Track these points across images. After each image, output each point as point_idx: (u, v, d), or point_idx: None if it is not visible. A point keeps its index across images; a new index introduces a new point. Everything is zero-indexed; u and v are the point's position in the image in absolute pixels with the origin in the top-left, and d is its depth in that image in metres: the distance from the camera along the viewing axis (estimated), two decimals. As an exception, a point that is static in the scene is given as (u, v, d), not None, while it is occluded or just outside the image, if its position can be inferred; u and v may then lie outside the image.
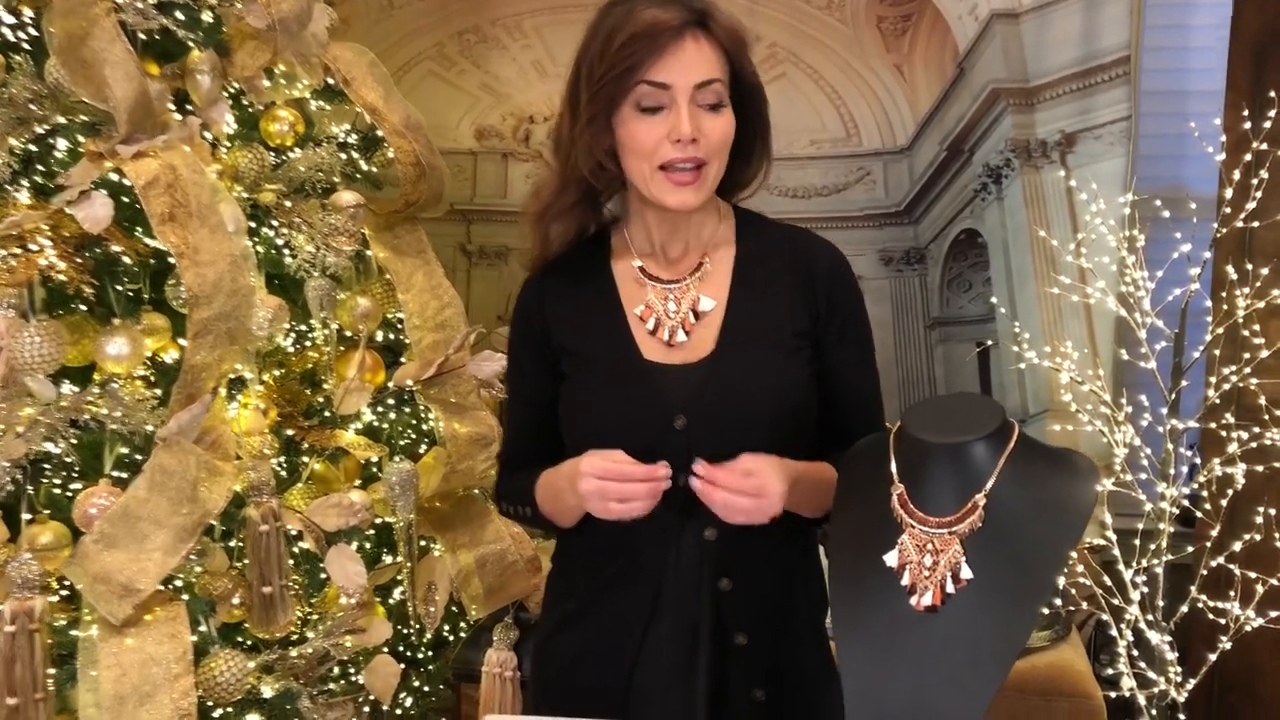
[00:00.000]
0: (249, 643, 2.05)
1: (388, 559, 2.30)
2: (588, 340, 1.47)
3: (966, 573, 1.16)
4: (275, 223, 2.15)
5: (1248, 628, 2.39)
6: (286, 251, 2.15)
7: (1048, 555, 1.15)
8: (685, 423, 1.39)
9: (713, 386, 1.41)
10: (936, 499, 1.19)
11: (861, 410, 1.51)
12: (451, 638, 2.56)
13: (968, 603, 1.16)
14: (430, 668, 2.33)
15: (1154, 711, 2.41)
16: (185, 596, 1.91)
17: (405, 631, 2.31)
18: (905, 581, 1.19)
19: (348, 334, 2.27)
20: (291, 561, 2.17)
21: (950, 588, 1.17)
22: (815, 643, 1.50)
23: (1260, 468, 2.46)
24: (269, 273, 2.15)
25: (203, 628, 1.89)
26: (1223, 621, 2.37)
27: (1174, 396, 2.56)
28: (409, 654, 2.46)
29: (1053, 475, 1.20)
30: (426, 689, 2.31)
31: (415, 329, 2.26)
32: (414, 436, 2.29)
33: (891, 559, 1.20)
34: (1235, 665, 2.50)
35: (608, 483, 1.32)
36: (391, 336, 2.34)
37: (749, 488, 1.32)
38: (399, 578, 2.26)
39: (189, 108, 2.06)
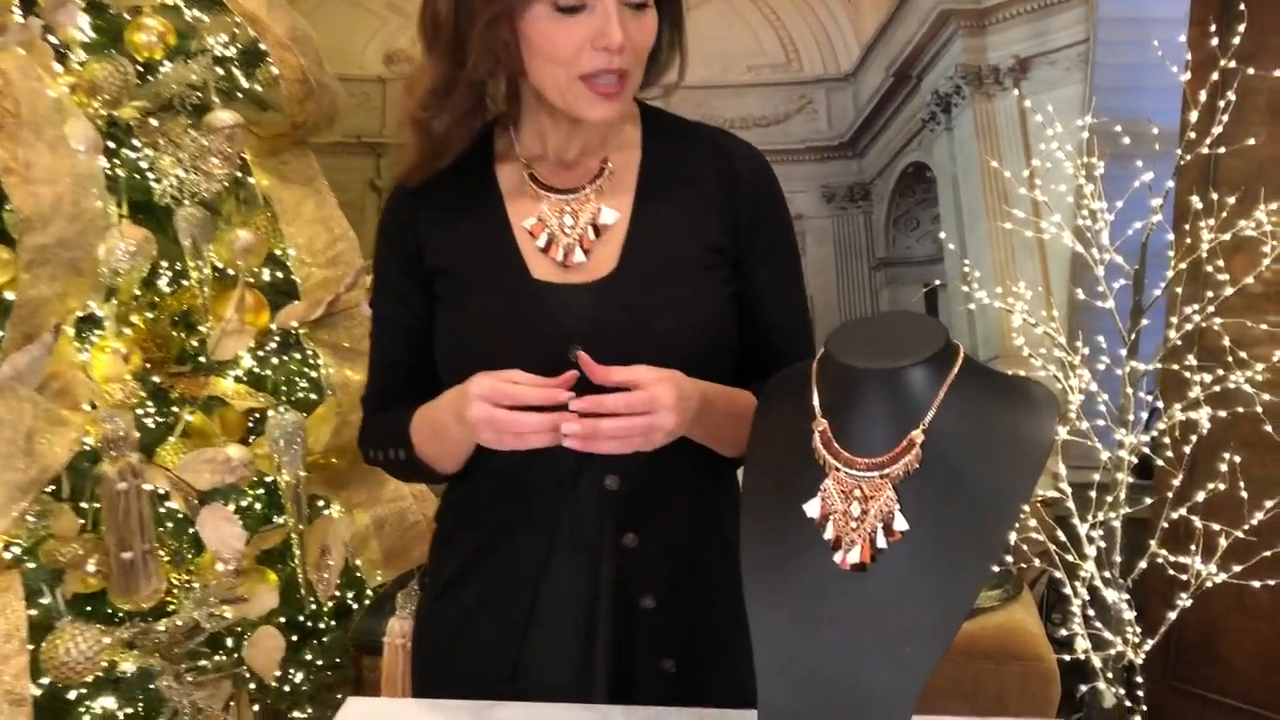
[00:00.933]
0: (117, 616, 1.84)
1: (281, 521, 2.09)
2: (467, 259, 1.26)
3: (901, 523, 0.97)
4: (138, 143, 1.90)
5: (1209, 584, 2.24)
6: (151, 175, 1.91)
7: (998, 503, 0.96)
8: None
9: (614, 310, 1.20)
10: (866, 436, 0.99)
11: (788, 339, 1.32)
12: (356, 606, 2.36)
13: (902, 560, 0.97)
14: (325, 639, 2.11)
15: (1109, 674, 2.25)
16: (30, 565, 1.69)
17: (306, 601, 2.09)
18: (829, 535, 0.99)
19: (229, 271, 2.04)
20: (170, 525, 1.96)
21: (882, 542, 0.97)
22: (734, 606, 1.30)
23: (1224, 413, 2.30)
24: (134, 200, 1.92)
25: (47, 599, 1.67)
26: (1183, 577, 2.21)
27: (1133, 337, 2.39)
28: (309, 624, 2.25)
29: (1005, 408, 1.00)
30: (321, 663, 2.10)
31: (303, 264, 2.04)
32: (302, 385, 2.06)
33: (812, 508, 1.00)
34: (1193, 623, 2.34)
35: (500, 411, 1.11)
36: (280, 275, 2.12)
37: (637, 403, 1.11)
38: (290, 541, 2.04)
39: (35, 10, 1.81)
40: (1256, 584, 2.16)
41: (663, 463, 1.23)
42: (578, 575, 1.24)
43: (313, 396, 2.07)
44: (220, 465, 1.86)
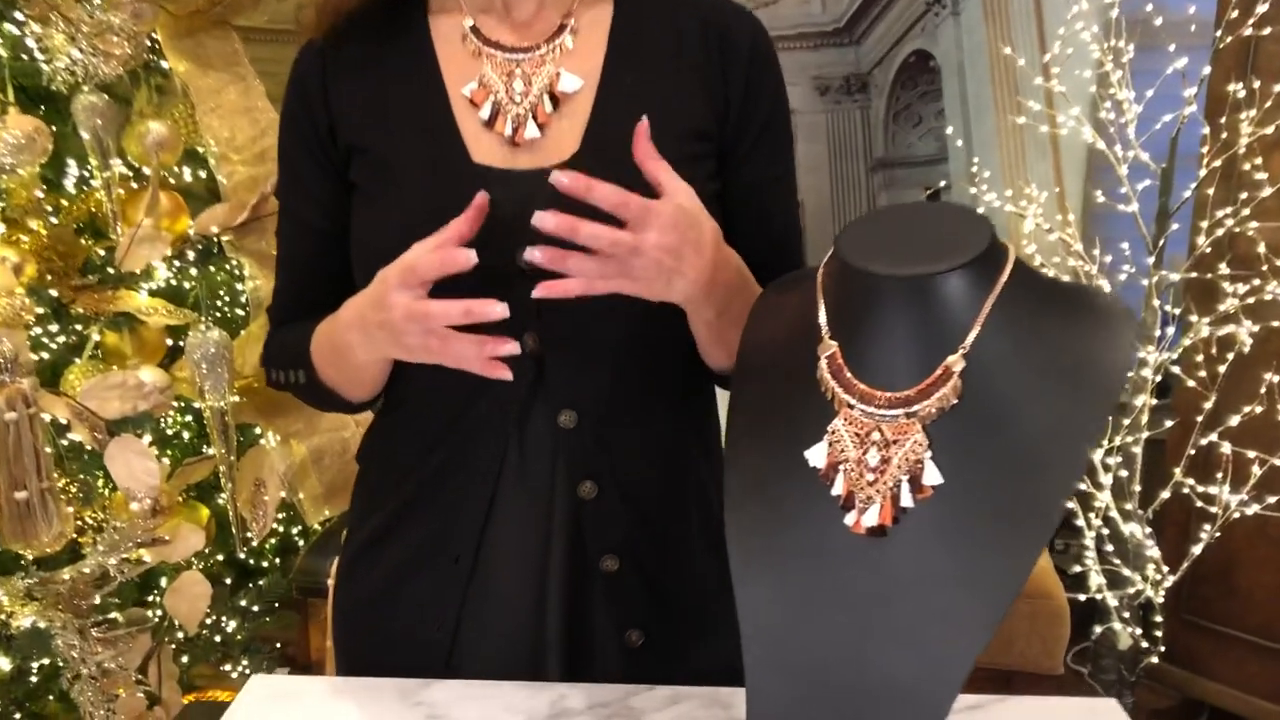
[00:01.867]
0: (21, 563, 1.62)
1: (210, 453, 1.86)
2: (390, 137, 1.02)
3: (933, 476, 0.75)
4: (21, 16, 1.64)
5: (1238, 515, 2.04)
6: (41, 56, 1.65)
7: (1058, 449, 0.74)
8: (534, 258, 0.96)
9: (575, 203, 0.97)
10: (888, 363, 0.77)
11: (779, 248, 1.09)
12: (302, 543, 2.15)
13: (934, 523, 0.75)
14: (262, 583, 1.91)
15: (1126, 614, 2.06)
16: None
17: (240, 542, 1.88)
18: (838, 490, 0.77)
19: (142, 170, 1.78)
20: (84, 459, 1.73)
21: (907, 499, 0.75)
22: (715, 569, 1.10)
23: (1256, 327, 2.08)
24: (22, 85, 1.66)
25: (-77, 548, 1.45)
26: (1213, 509, 2.01)
27: (1161, 244, 2.16)
28: (251, 564, 2.05)
29: (1068, 326, 0.77)
30: (257, 609, 1.89)
31: (226, 161, 1.79)
32: (227, 300, 1.83)
33: (817, 456, 0.78)
34: (1210, 556, 2.15)
35: (422, 303, 0.88)
36: (200, 174, 1.86)
37: (637, 208, 0.86)
38: (219, 475, 1.82)
39: None
40: (1293, 516, 1.97)
41: (630, 395, 1.01)
42: (525, 532, 1.02)
43: (239, 312, 1.83)
44: (131, 391, 1.63)
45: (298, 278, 1.12)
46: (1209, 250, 2.12)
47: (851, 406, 0.77)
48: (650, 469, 1.05)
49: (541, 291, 0.87)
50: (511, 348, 0.87)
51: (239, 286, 1.83)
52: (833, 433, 0.78)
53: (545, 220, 0.84)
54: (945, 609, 0.74)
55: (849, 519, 0.77)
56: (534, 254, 0.85)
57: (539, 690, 1.01)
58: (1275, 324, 2.06)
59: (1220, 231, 2.11)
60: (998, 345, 0.75)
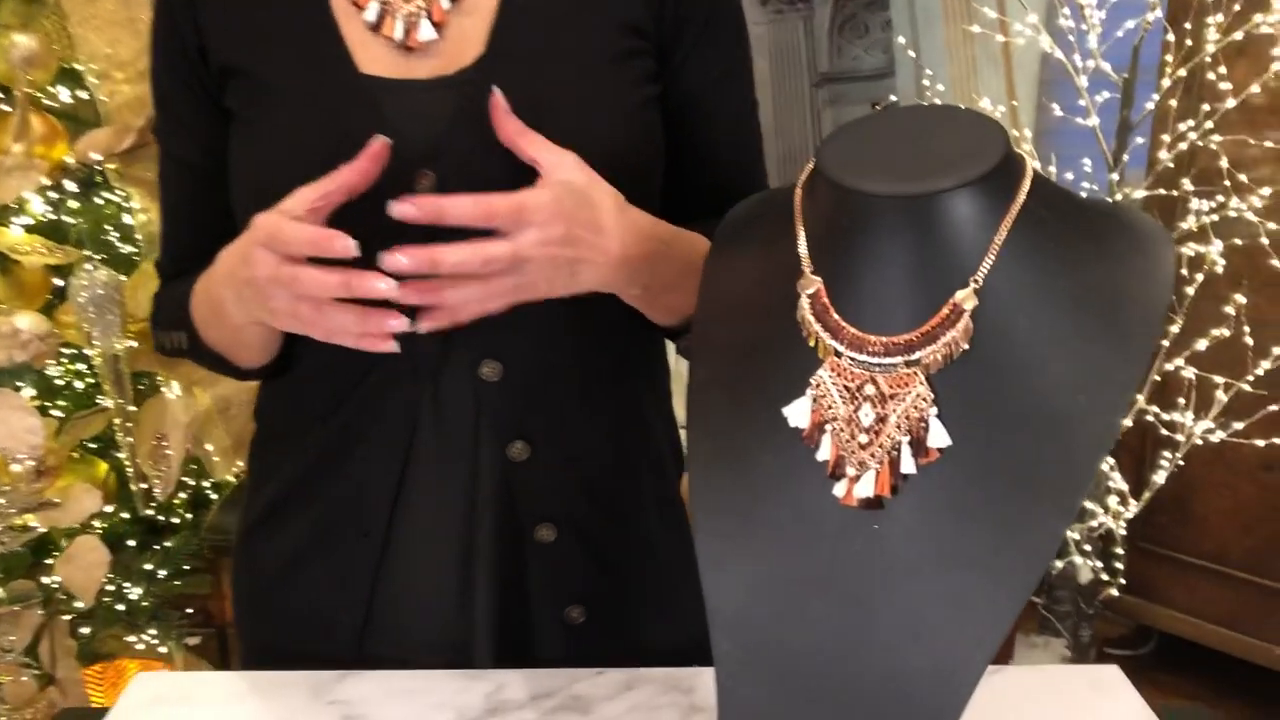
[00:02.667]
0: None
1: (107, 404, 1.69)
2: (266, 50, 0.86)
3: (939, 437, 0.62)
4: None
5: (1198, 441, 1.96)
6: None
7: (1091, 402, 0.61)
8: (432, 184, 0.81)
9: (481, 119, 0.81)
10: (882, 302, 0.64)
11: (736, 164, 0.95)
12: (215, 497, 1.99)
13: (941, 493, 0.62)
14: (169, 544, 1.75)
15: (1087, 547, 1.97)
16: None
17: (142, 501, 1.72)
18: (824, 455, 0.64)
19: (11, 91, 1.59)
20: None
21: (909, 465, 0.63)
22: (668, 534, 0.97)
23: (1221, 245, 1.99)
24: None
25: None
26: (1178, 437, 1.93)
27: (1124, 159, 2.05)
28: (161, 521, 1.89)
29: (1098, 251, 0.65)
30: (165, 573, 1.74)
31: (106, 79, 1.59)
32: (115, 235, 1.64)
33: (798, 414, 0.65)
34: (1166, 483, 2.08)
35: (288, 267, 0.73)
36: (79, 95, 1.67)
37: (505, 212, 0.73)
38: (114, 428, 1.66)
39: None
40: (1261, 443, 1.90)
41: (564, 340, 0.87)
42: (447, 500, 0.89)
43: (130, 249, 1.65)
44: (5, 340, 1.45)
45: (184, 225, 0.96)
46: (1171, 165, 2.02)
47: (839, 354, 0.64)
48: (593, 425, 0.91)
49: (428, 325, 0.73)
50: (400, 324, 0.72)
51: (127, 219, 1.64)
52: (817, 386, 0.65)
53: (397, 262, 0.70)
54: (956, 595, 0.62)
55: (838, 489, 0.64)
56: (380, 285, 0.70)
57: (472, 680, 0.88)
58: (1239, 241, 1.98)
59: (1183, 145, 2.01)
60: (1016, 278, 0.63)
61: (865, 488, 0.63)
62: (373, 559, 0.90)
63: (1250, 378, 1.82)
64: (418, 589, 0.91)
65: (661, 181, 0.91)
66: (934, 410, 0.62)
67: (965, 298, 0.62)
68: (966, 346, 0.62)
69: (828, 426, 0.64)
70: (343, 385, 0.88)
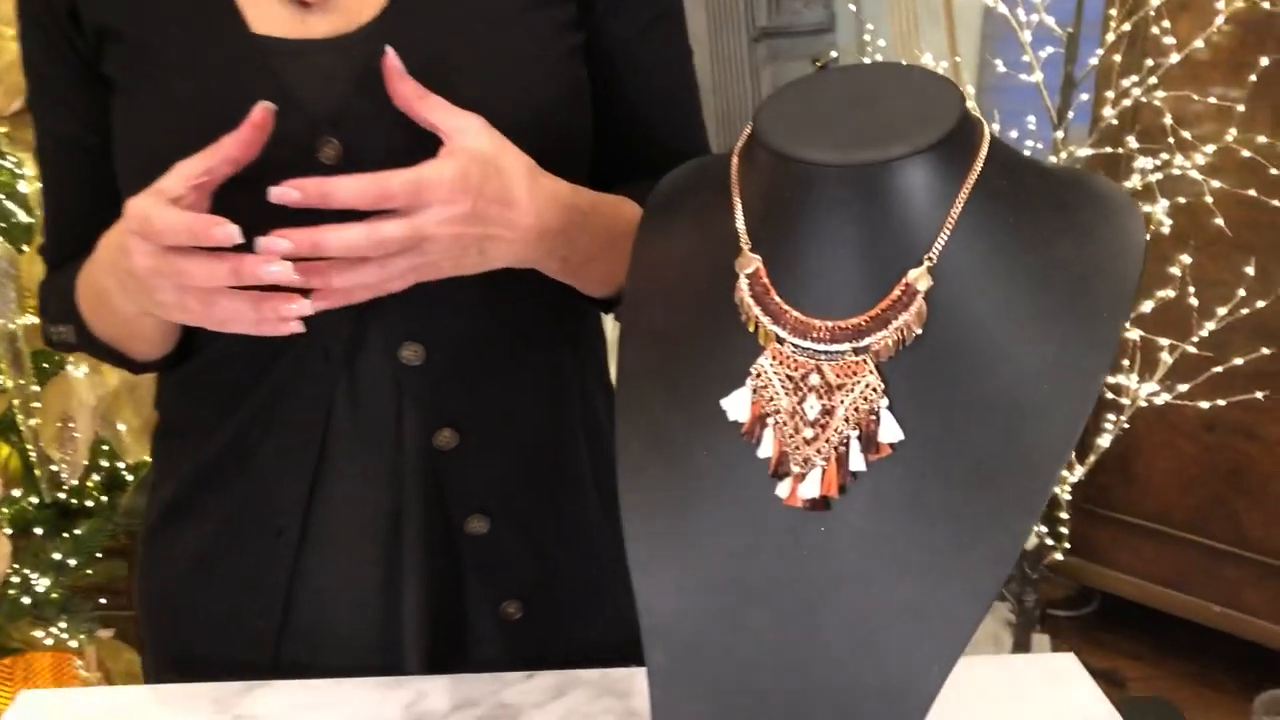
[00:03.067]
0: None
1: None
2: (146, 10, 0.77)
3: (891, 431, 0.56)
4: None
5: (1145, 404, 1.94)
6: None
7: (1058, 389, 0.56)
8: (338, 152, 0.73)
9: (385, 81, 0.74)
10: (828, 283, 0.58)
11: (672, 120, 0.88)
12: (131, 479, 1.90)
13: (894, 492, 0.57)
14: (79, 531, 1.66)
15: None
16: None
17: (47, 486, 1.62)
18: (766, 451, 0.59)
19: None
20: None
21: (858, 462, 0.57)
22: (609, 516, 0.91)
23: (1166, 204, 1.96)
24: None
25: None
26: (1124, 400, 1.90)
27: (1068, 116, 2.01)
28: (74, 505, 1.80)
29: (1063, 224, 0.59)
30: (75, 561, 1.65)
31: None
32: (7, 204, 1.54)
33: (737, 406, 0.59)
34: (1109, 444, 2.06)
35: (167, 261, 0.65)
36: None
37: (401, 191, 0.65)
38: (14, 409, 1.56)
39: None
40: (1205, 404, 1.88)
41: (490, 317, 0.80)
42: (368, 495, 0.82)
43: (25, 218, 1.55)
44: (-110, 318, 1.35)
45: (67, 207, 0.87)
46: (1115, 122, 1.98)
47: (781, 340, 0.58)
48: (528, 409, 0.85)
49: (316, 306, 0.66)
50: (301, 308, 0.65)
51: (21, 187, 1.54)
52: (757, 375, 0.59)
53: (275, 246, 0.62)
54: (910, 604, 0.56)
55: (781, 489, 0.58)
56: (273, 269, 0.63)
57: (392, 688, 0.82)
58: (1183, 200, 1.94)
59: (1127, 102, 1.97)
60: (974, 255, 0.57)
61: (810, 487, 0.57)
62: (287, 559, 0.83)
63: (1195, 339, 1.80)
64: (338, 590, 0.84)
65: (590, 142, 0.84)
66: (885, 402, 0.57)
67: (918, 277, 0.56)
68: (920, 331, 0.56)
69: (769, 420, 0.58)
70: (248, 374, 0.80)
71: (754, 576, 0.59)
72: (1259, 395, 1.79)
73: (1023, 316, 0.57)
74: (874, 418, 0.57)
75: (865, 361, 0.57)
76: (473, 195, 0.67)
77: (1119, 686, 2.22)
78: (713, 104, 2.43)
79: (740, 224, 0.60)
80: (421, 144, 0.68)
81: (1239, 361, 1.79)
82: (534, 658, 0.85)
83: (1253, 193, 1.82)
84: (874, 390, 0.57)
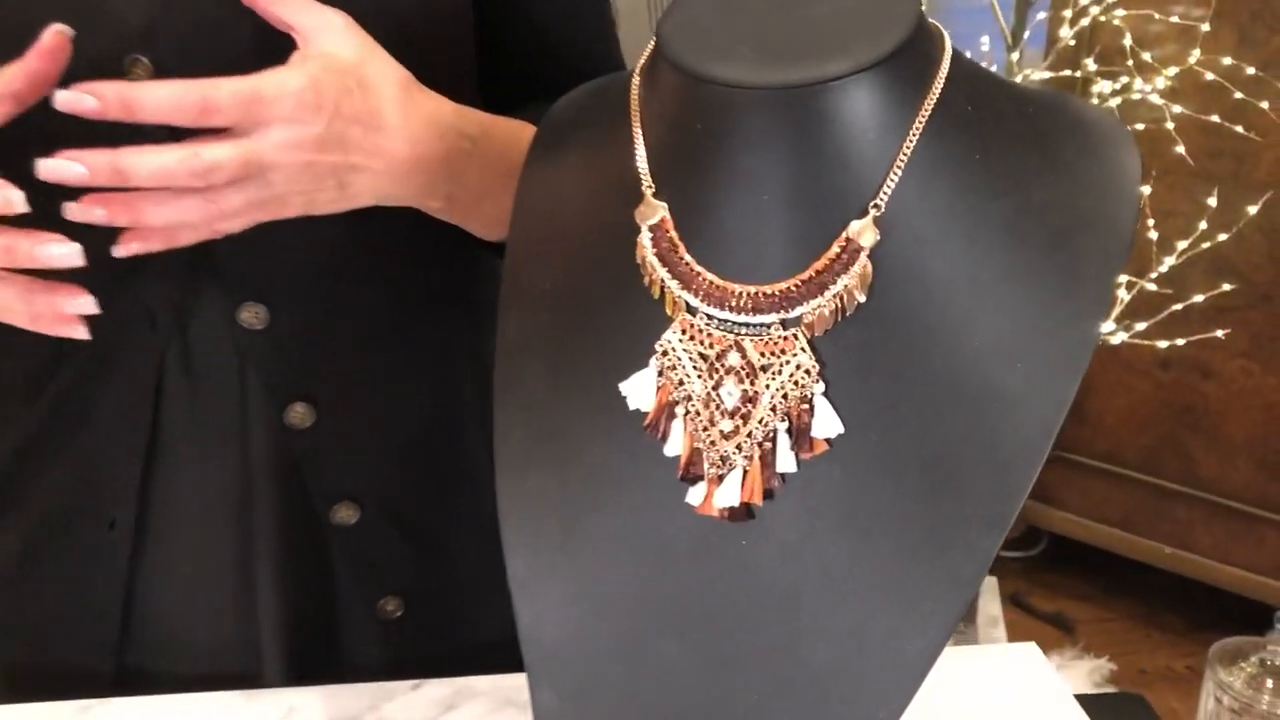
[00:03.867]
0: None
1: None
2: None
3: (828, 424, 0.45)
4: None
5: (1101, 343, 1.85)
6: None
7: (1037, 366, 0.45)
8: (151, 71, 0.60)
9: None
10: (749, 237, 0.46)
11: (572, 26, 0.75)
12: None
13: (832, 498, 0.46)
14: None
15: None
16: None
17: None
18: (674, 449, 0.47)
19: None
20: None
21: (787, 460, 0.46)
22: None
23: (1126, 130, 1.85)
24: None
25: None
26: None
27: (1024, 36, 1.89)
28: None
29: (1040, 158, 0.47)
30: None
31: None
32: None
33: (638, 391, 0.48)
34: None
35: None
36: None
37: (232, 102, 0.52)
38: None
39: None
40: (1164, 344, 1.80)
41: (352, 269, 0.68)
42: (211, 480, 0.69)
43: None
44: None
45: None
46: (1073, 43, 1.86)
47: (693, 311, 0.47)
48: (403, 381, 0.73)
49: (127, 249, 0.53)
50: (83, 305, 0.52)
51: None
52: (663, 354, 0.47)
53: (61, 169, 0.49)
54: (852, 634, 0.45)
55: (693, 495, 0.47)
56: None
57: (254, 701, 0.71)
58: (1141, 126, 1.84)
59: (1085, 21, 1.85)
60: (931, 201, 0.45)
61: (728, 493, 0.46)
62: (122, 554, 0.71)
63: (1154, 275, 1.71)
64: (183, 588, 0.72)
65: (472, 54, 0.71)
66: (820, 386, 0.45)
67: (862, 231, 0.44)
68: (863, 299, 0.45)
69: (679, 410, 0.47)
70: (58, 343, 0.67)
71: (660, 600, 0.48)
72: (1219, 334, 1.71)
73: (991, 278, 0.45)
74: (807, 407, 0.45)
75: (796, 336, 0.45)
76: (327, 113, 0.54)
77: (1066, 629, 2.17)
78: (648, 19, 2.28)
79: (641, 163, 0.48)
80: (255, 63, 0.55)
81: (1199, 299, 1.70)
82: (419, 660, 0.74)
83: (1215, 118, 1.73)
84: (807, 372, 0.45)
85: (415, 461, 0.74)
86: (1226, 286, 1.73)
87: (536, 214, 0.54)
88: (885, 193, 0.45)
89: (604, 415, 0.49)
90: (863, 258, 0.45)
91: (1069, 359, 0.45)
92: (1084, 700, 0.73)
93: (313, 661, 0.74)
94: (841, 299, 0.45)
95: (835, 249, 0.45)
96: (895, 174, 0.45)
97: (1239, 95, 1.71)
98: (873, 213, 0.45)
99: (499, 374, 0.52)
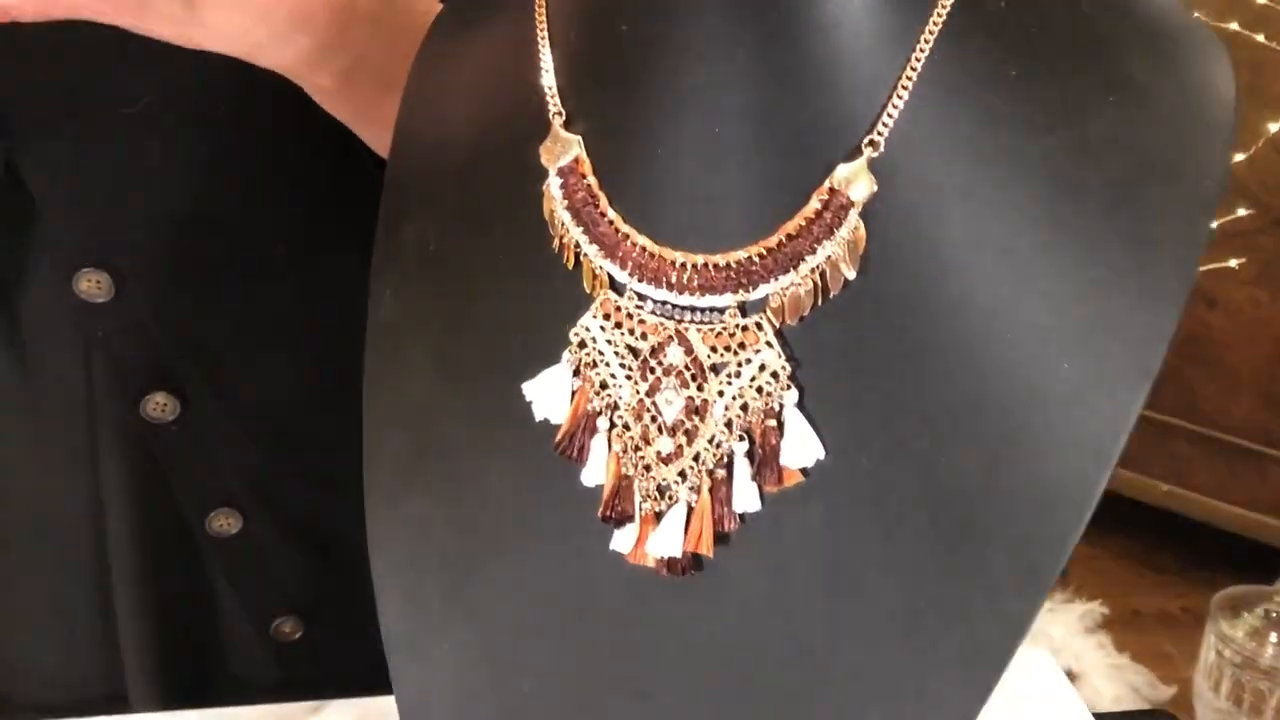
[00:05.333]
0: None
1: None
2: None
3: (803, 447, 0.33)
4: None
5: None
6: None
7: (1088, 376, 0.32)
8: None
9: None
10: (698, 185, 0.33)
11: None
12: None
13: (806, 551, 0.33)
14: None
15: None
16: None
17: None
18: (593, 477, 0.34)
19: None
20: None
21: (747, 498, 0.33)
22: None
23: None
24: None
25: None
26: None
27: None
28: None
29: (1098, 75, 0.34)
30: None
31: None
32: None
33: (546, 395, 0.35)
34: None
35: None
36: None
37: None
38: None
39: None
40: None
41: (215, 218, 0.55)
42: (56, 482, 0.57)
43: None
44: None
45: None
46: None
47: (619, 288, 0.34)
48: (283, 352, 0.60)
49: None
50: None
51: None
52: (579, 345, 0.34)
53: None
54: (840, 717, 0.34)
55: (620, 541, 0.35)
56: None
57: (120, 731, 0.59)
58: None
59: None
60: (950, 137, 0.32)
61: (668, 538, 0.34)
62: None
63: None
64: (30, 608, 0.60)
65: None
66: (793, 395, 0.33)
67: (853, 178, 0.32)
68: (853, 275, 0.32)
69: (601, 423, 0.34)
70: None
71: (579, 673, 0.36)
72: (1233, 264, 1.59)
73: (1030, 246, 0.32)
74: (774, 423, 0.33)
75: (760, 325, 0.33)
76: None
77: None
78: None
79: (548, 78, 0.35)
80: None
81: (1213, 225, 1.57)
82: (323, 679, 0.62)
83: (1234, 26, 1.58)
84: (774, 375, 0.33)
85: (306, 457, 0.61)
86: (1241, 212, 1.61)
87: (421, 143, 0.41)
88: (884, 125, 0.32)
89: (503, 425, 0.36)
90: (852, 216, 0.32)
91: (1135, 356, 0.32)
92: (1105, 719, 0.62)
93: (197, 688, 0.63)
94: (823, 274, 0.32)
95: (815, 204, 0.32)
96: (899, 99, 0.32)
97: (1261, 0, 1.57)
98: (867, 153, 0.32)
99: (370, 364, 0.40)
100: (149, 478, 0.57)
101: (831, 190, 0.32)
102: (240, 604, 0.62)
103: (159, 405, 0.56)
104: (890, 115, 0.32)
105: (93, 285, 0.53)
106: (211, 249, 0.55)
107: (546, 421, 0.35)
